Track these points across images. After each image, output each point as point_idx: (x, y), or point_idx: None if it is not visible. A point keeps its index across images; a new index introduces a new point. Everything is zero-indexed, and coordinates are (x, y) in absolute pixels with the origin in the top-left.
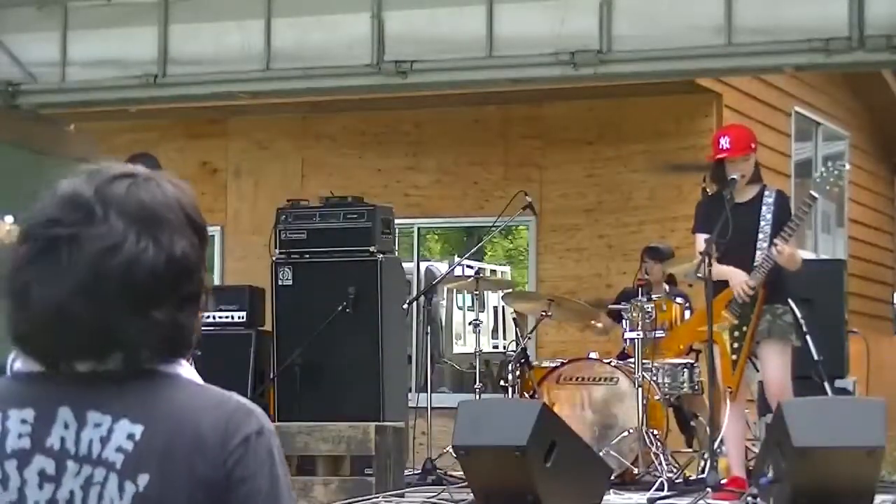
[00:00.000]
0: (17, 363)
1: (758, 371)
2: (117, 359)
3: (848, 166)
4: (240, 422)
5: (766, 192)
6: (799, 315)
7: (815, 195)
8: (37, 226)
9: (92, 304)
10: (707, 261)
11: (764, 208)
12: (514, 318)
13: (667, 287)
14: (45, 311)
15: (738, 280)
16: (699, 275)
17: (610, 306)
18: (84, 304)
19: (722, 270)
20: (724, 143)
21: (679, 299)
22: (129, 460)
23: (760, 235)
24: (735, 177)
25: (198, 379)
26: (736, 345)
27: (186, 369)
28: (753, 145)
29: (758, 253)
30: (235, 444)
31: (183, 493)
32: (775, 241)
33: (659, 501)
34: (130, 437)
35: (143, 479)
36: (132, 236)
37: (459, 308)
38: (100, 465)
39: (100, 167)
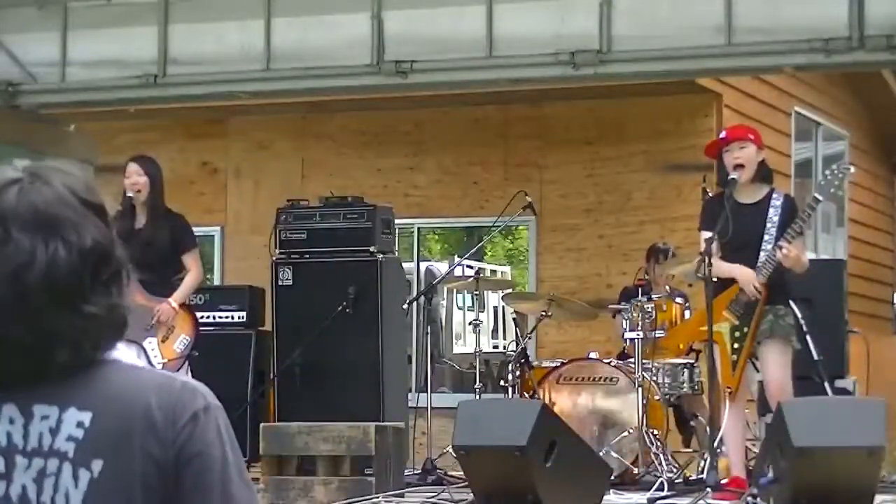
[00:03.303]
0: None
1: (758, 371)
2: (62, 355)
3: (853, 169)
4: (187, 400)
5: (775, 195)
6: (800, 317)
7: (819, 198)
8: None
9: (23, 320)
10: (707, 261)
11: (771, 210)
12: (514, 318)
13: (668, 287)
14: None
15: (747, 279)
16: (699, 275)
17: (610, 306)
18: (15, 324)
19: (727, 268)
20: (722, 133)
21: (679, 299)
22: (81, 448)
23: (766, 237)
24: (734, 176)
25: (138, 362)
26: (736, 345)
27: (125, 354)
28: (752, 136)
29: (761, 254)
30: (184, 422)
31: (137, 475)
32: (780, 242)
33: (659, 501)
34: (80, 424)
35: (98, 465)
36: (40, 245)
37: (459, 308)
38: (52, 456)
39: None
